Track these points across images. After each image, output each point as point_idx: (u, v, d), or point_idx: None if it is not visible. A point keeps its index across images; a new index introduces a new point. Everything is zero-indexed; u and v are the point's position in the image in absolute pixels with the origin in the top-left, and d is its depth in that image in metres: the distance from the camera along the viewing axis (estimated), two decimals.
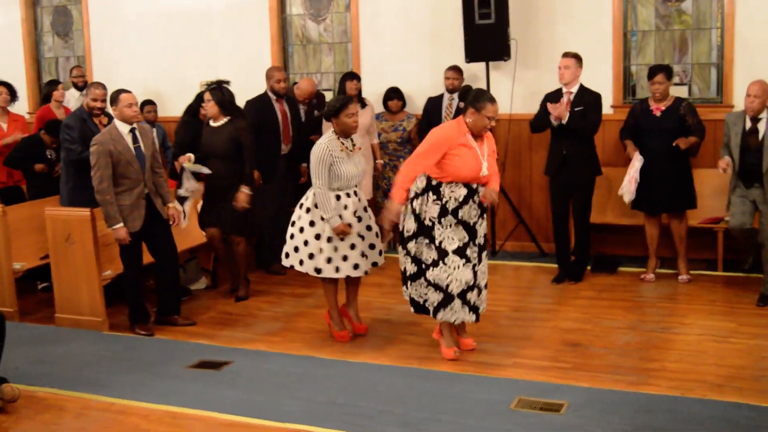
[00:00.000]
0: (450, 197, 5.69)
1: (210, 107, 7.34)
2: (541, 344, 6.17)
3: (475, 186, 5.76)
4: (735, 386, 5.27)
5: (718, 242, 7.69)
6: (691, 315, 6.66)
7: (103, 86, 7.51)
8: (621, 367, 5.68)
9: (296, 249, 6.22)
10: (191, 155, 7.42)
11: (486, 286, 5.94)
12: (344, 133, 6.15)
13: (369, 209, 6.38)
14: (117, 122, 6.50)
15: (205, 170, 7.36)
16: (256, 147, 7.41)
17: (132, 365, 6.04)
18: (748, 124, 6.81)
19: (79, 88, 10.00)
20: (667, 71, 7.35)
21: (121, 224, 6.41)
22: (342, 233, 6.06)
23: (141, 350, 6.36)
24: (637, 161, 7.37)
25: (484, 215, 5.89)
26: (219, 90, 7.28)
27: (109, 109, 6.86)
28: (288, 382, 5.61)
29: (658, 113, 7.34)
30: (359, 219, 6.22)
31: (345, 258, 6.13)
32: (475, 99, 5.68)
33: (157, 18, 10.32)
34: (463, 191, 5.70)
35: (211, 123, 7.37)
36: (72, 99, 9.91)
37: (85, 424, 5.10)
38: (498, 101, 8.45)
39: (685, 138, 7.24)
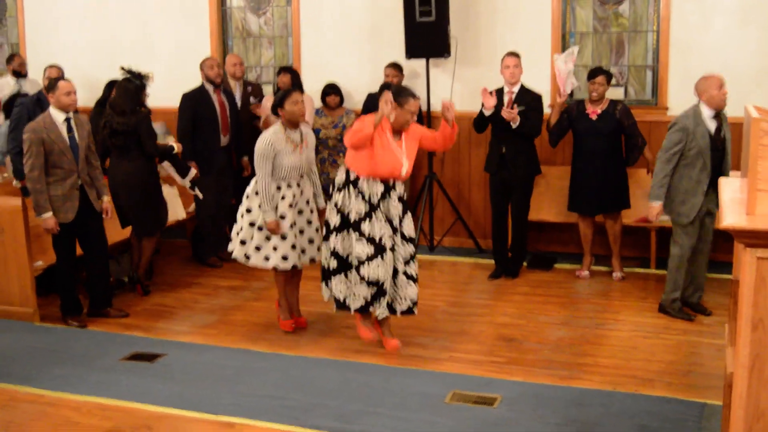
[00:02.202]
0: (369, 192, 5.68)
1: None
2: (476, 339, 6.22)
3: (391, 183, 5.74)
4: (665, 381, 5.38)
5: (651, 241, 7.84)
6: (623, 311, 6.77)
7: (59, 68, 7.46)
8: (554, 361, 5.75)
9: (237, 234, 6.24)
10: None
11: (413, 277, 5.85)
12: (291, 122, 6.09)
13: (312, 202, 6.31)
14: (52, 110, 6.38)
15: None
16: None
17: (63, 357, 5.94)
18: (713, 124, 6.28)
19: (22, 76, 9.77)
20: (608, 74, 7.44)
21: (50, 214, 6.30)
22: (271, 230, 6.03)
23: (73, 342, 6.26)
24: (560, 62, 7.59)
25: (407, 211, 5.87)
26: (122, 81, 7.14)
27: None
28: (223, 375, 5.57)
29: (594, 116, 7.41)
30: (300, 212, 6.19)
31: (275, 248, 6.10)
32: (397, 94, 5.64)
33: (94, 5, 10.13)
34: (381, 188, 5.69)
35: None
36: (6, 87, 9.68)
37: (12, 416, 5.00)
38: (438, 98, 8.68)
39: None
